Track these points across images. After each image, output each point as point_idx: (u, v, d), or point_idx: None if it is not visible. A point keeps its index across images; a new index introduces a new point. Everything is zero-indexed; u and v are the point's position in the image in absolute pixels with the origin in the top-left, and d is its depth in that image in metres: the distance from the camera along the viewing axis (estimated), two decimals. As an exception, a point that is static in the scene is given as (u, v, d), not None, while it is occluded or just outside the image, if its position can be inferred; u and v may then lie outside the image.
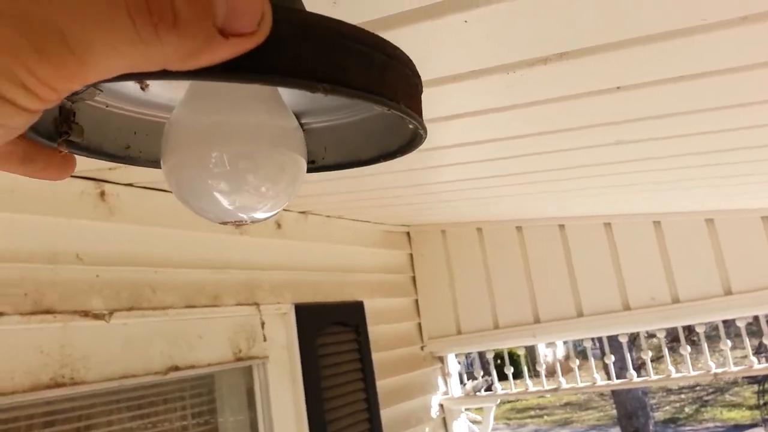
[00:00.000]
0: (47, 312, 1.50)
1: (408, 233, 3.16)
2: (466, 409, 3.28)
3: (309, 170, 0.49)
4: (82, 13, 0.21)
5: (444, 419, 3.14)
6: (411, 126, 0.43)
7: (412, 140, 0.48)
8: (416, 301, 3.13)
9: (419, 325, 3.11)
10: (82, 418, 1.60)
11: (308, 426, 2.18)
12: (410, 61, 0.40)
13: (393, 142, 0.51)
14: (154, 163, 0.50)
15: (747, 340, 2.73)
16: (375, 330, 2.66)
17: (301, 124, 0.50)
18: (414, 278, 3.14)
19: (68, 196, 1.57)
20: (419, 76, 0.41)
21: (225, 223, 0.46)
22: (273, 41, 0.27)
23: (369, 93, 0.33)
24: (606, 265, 2.75)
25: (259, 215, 0.46)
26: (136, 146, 0.49)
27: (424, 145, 0.64)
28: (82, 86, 0.23)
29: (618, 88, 0.99)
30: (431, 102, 1.01)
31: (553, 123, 1.18)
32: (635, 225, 2.71)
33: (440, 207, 2.48)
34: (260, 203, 0.45)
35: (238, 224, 0.47)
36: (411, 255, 3.17)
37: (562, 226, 2.84)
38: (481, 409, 3.36)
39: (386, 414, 2.61)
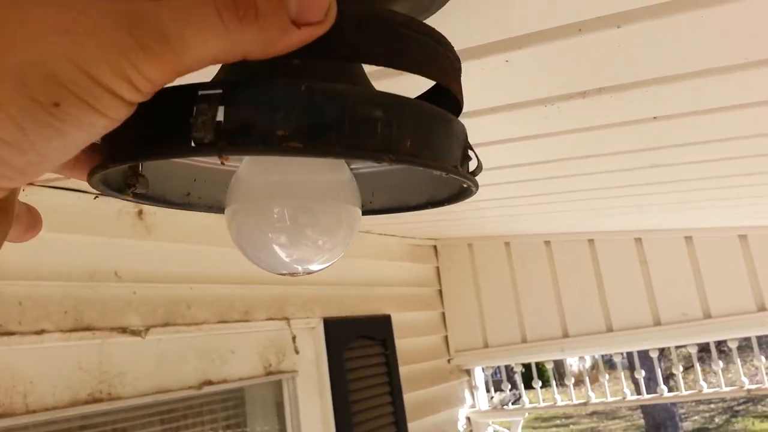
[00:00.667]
0: (86, 329, 1.53)
1: (435, 246, 3.16)
2: (493, 422, 3.27)
3: None
4: (179, 12, 0.24)
5: (471, 432, 3.13)
6: (465, 186, 0.44)
7: (461, 192, 0.48)
8: (443, 314, 3.13)
9: (446, 338, 3.11)
10: (117, 431, 1.64)
11: (337, 438, 2.20)
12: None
13: (442, 190, 0.51)
14: (212, 209, 0.51)
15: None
16: (402, 343, 2.66)
17: (351, 170, 0.51)
18: (441, 291, 3.15)
19: (107, 215, 1.61)
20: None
21: (281, 274, 0.47)
22: (336, 29, 0.29)
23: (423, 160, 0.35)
24: (636, 279, 2.72)
25: (314, 267, 0.47)
26: (196, 192, 0.50)
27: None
28: (175, 79, 0.26)
29: (654, 118, 0.99)
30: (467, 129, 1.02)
31: (588, 148, 1.18)
32: (666, 240, 2.68)
33: (468, 222, 2.48)
34: (317, 256, 0.46)
35: (293, 275, 0.47)
36: (437, 268, 3.17)
37: (591, 241, 2.82)
38: (507, 422, 3.34)
39: (413, 427, 2.61)
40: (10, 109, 0.22)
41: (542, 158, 1.26)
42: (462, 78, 0.84)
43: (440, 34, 0.38)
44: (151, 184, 0.43)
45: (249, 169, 0.44)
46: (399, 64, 0.34)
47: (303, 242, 0.44)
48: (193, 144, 0.28)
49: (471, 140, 0.42)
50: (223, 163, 0.45)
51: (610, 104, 0.91)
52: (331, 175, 0.45)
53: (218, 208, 0.49)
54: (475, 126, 1.01)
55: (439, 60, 0.37)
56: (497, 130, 1.05)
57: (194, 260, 1.84)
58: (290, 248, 0.44)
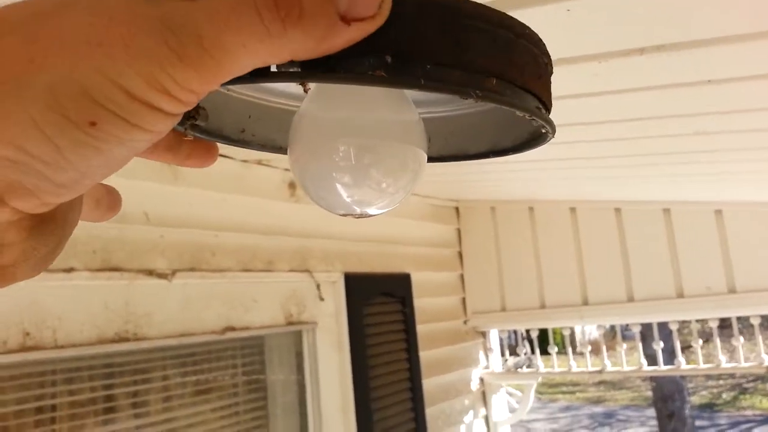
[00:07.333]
0: (114, 269, 1.55)
1: (456, 208, 3.14)
2: (506, 384, 3.30)
3: None
4: (216, 14, 0.22)
5: (483, 392, 3.17)
6: (543, 131, 0.41)
7: (532, 139, 0.44)
8: (461, 275, 3.13)
9: (463, 299, 3.12)
10: (137, 372, 1.67)
11: (353, 390, 2.23)
12: (540, 40, 0.37)
13: (506, 137, 0.48)
14: (265, 147, 0.50)
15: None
16: (420, 302, 2.68)
17: None
18: (460, 253, 3.14)
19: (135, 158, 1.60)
20: (549, 56, 0.37)
21: (343, 215, 0.46)
22: (393, 21, 0.26)
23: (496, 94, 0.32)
24: (662, 251, 2.69)
25: (374, 210, 0.46)
26: (250, 130, 0.49)
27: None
28: (218, 86, 0.24)
29: (709, 81, 0.95)
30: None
31: (633, 111, 1.14)
32: (696, 213, 2.63)
33: (491, 184, 2.45)
34: (378, 199, 0.45)
35: (350, 215, 0.46)
36: (458, 230, 3.16)
37: (618, 210, 2.78)
38: (521, 385, 3.37)
39: (427, 384, 2.65)
40: (45, 128, 0.21)
41: (582, 119, 1.23)
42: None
43: (523, 25, 0.33)
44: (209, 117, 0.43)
45: (312, 106, 0.42)
46: (469, 66, 0.29)
47: (366, 183, 0.42)
48: (273, 69, 0.26)
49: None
50: (305, 90, 0.43)
51: (666, 63, 0.88)
52: (399, 115, 0.42)
53: (271, 147, 0.48)
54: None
55: (518, 57, 0.32)
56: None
57: (220, 208, 1.85)
58: (353, 188, 0.43)
